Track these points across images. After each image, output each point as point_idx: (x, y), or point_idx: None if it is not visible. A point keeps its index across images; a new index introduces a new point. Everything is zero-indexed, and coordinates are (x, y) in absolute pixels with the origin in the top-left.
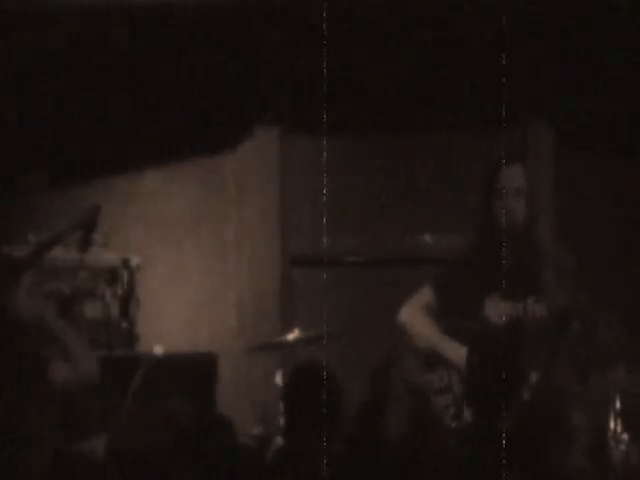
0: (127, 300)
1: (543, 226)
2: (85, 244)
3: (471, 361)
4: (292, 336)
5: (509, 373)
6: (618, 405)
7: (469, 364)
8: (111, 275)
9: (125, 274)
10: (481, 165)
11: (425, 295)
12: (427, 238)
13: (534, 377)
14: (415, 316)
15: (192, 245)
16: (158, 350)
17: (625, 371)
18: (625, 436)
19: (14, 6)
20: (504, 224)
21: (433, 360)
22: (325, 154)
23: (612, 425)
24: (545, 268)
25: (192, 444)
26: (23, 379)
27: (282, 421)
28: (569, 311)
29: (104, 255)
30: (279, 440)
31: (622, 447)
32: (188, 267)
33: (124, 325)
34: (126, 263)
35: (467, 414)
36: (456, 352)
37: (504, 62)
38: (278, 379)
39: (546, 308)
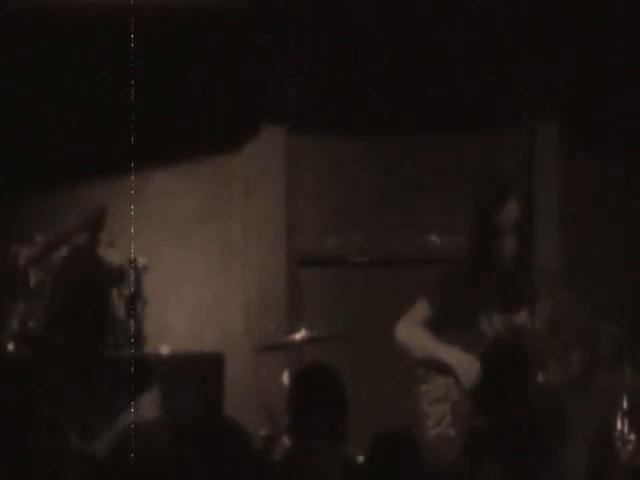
0: (134, 300)
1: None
2: (92, 244)
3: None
4: (299, 336)
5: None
6: (625, 405)
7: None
8: (118, 275)
9: (132, 274)
10: (489, 165)
11: (420, 309)
12: (434, 238)
13: (540, 378)
14: (411, 329)
15: (198, 245)
16: (165, 350)
17: (632, 371)
18: (632, 436)
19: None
20: (500, 258)
21: (431, 369)
22: (331, 154)
23: (619, 425)
24: (539, 281)
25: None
26: None
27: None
28: (565, 322)
29: (111, 255)
30: (286, 440)
31: (629, 447)
32: (194, 267)
33: (131, 325)
34: (133, 263)
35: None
36: (454, 357)
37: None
38: (285, 379)
39: (541, 320)
